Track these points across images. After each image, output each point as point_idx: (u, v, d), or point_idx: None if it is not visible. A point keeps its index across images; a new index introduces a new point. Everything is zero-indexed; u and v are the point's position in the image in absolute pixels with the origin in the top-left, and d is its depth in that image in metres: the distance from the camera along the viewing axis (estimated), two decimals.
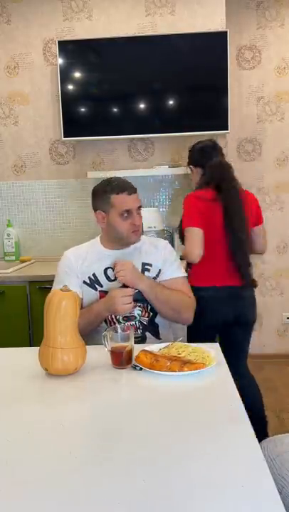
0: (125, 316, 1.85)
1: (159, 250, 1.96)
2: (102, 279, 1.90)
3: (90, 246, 1.99)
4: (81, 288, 1.90)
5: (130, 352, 1.48)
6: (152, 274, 1.91)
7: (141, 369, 1.44)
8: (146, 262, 1.93)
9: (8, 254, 3.38)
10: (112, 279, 1.88)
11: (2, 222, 3.45)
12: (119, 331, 1.51)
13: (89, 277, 1.91)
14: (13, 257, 3.37)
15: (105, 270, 1.91)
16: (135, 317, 1.87)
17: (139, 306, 1.86)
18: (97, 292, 1.90)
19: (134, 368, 1.46)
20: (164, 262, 1.94)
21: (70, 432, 1.13)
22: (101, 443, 1.07)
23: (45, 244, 3.47)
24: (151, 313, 1.89)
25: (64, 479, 0.94)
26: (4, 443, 1.10)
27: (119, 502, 0.86)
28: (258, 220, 2.50)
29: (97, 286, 1.90)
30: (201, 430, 1.11)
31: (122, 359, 1.47)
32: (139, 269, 1.88)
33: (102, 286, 1.90)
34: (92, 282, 1.90)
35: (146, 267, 1.92)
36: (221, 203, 2.33)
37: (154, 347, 1.58)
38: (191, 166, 2.55)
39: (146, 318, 1.89)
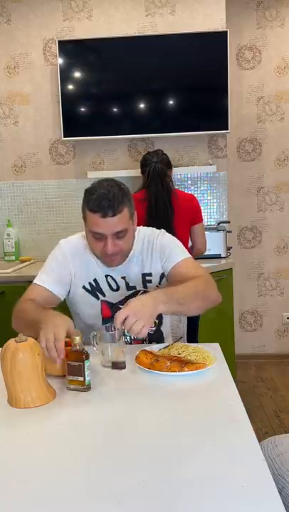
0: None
1: (154, 252, 1.71)
2: (104, 286, 1.71)
3: (87, 246, 1.70)
4: (71, 289, 1.71)
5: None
6: (154, 283, 1.72)
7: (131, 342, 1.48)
8: (146, 272, 1.72)
9: (8, 254, 3.38)
10: (115, 288, 1.70)
11: (2, 222, 3.45)
12: (105, 331, 1.48)
13: (90, 283, 1.70)
14: (13, 257, 3.37)
15: (106, 277, 1.71)
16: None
17: None
18: (99, 302, 1.71)
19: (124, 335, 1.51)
20: (162, 260, 1.71)
21: (69, 432, 1.13)
22: (101, 443, 1.07)
23: (45, 244, 3.45)
24: (156, 321, 1.72)
25: (64, 479, 0.94)
26: (4, 443, 1.10)
27: (119, 502, 0.86)
28: (196, 219, 2.76)
29: (99, 294, 1.70)
30: (201, 430, 1.11)
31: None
32: (140, 281, 1.71)
33: (104, 295, 1.71)
34: (94, 289, 1.70)
35: (146, 278, 1.72)
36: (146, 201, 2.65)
37: (154, 347, 1.58)
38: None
39: (154, 328, 1.75)
